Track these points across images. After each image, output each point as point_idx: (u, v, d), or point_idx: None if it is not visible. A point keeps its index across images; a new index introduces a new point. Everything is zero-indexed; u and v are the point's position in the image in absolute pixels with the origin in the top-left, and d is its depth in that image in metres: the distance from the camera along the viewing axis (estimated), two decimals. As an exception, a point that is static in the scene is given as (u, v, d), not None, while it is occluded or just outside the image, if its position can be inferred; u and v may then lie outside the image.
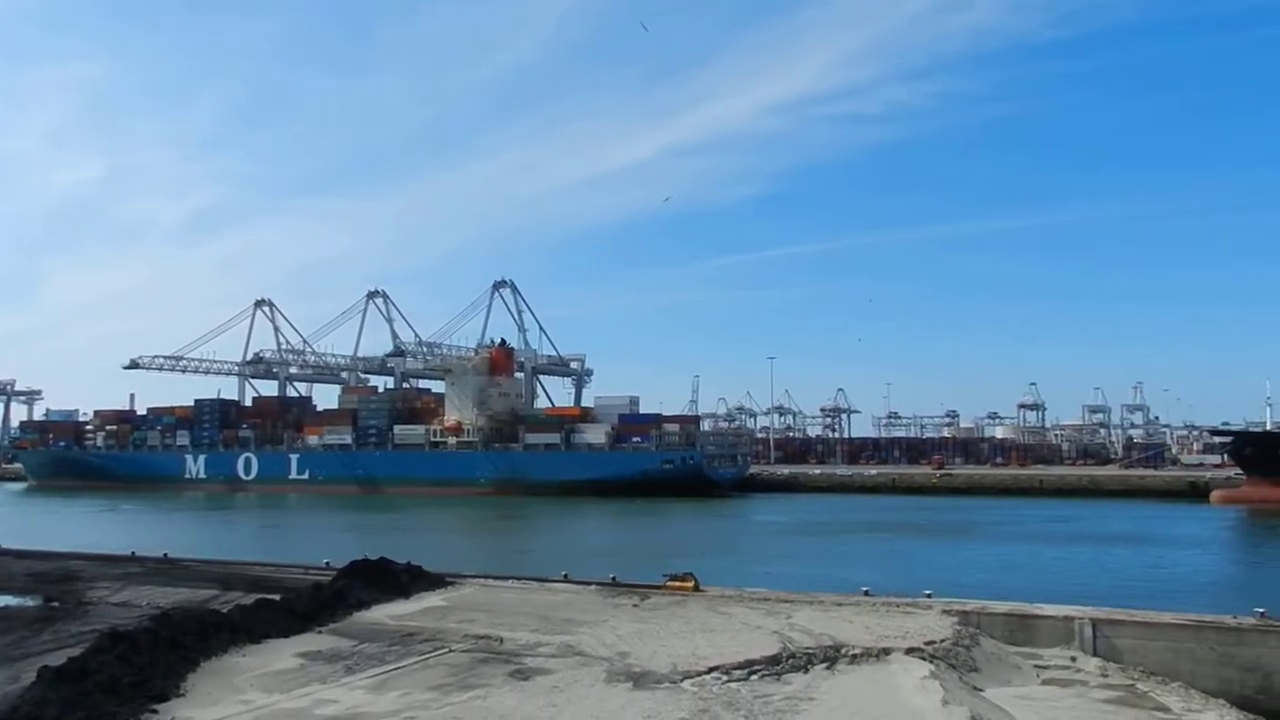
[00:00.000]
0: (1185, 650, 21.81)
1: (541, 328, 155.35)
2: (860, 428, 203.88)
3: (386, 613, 23.61)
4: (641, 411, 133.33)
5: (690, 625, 22.15)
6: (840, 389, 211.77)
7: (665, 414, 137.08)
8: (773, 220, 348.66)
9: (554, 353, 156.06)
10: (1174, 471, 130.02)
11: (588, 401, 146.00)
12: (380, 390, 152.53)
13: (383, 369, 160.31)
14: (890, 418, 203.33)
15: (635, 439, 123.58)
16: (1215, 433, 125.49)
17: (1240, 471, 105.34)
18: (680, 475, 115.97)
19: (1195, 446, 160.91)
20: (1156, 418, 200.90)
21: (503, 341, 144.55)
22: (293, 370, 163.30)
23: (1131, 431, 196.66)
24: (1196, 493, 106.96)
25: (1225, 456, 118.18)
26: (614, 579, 28.67)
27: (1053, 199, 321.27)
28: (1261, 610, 22.62)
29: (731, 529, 79.87)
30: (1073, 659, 21.93)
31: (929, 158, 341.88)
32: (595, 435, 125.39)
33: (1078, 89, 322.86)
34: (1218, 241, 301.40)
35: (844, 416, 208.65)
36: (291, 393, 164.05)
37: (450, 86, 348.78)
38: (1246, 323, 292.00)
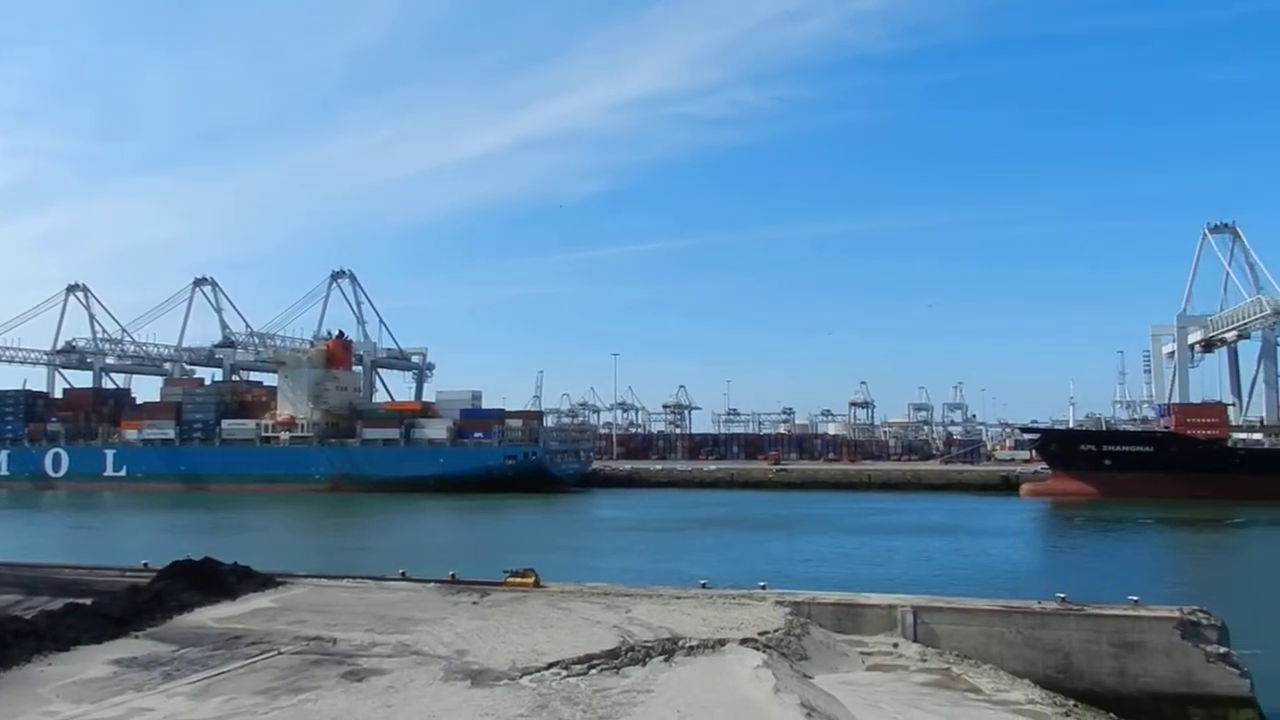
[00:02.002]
0: (996, 634, 23.34)
1: (381, 320, 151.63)
2: (701, 424, 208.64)
3: (211, 615, 22.58)
4: (484, 407, 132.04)
5: (530, 621, 22.13)
6: (682, 386, 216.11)
7: (508, 410, 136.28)
8: (621, 217, 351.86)
9: (394, 346, 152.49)
10: (989, 466, 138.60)
11: (429, 396, 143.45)
12: (207, 383, 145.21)
13: (210, 360, 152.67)
14: (730, 414, 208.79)
15: (477, 434, 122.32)
16: (1025, 430, 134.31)
17: (1046, 466, 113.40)
18: (523, 471, 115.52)
19: (1008, 443, 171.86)
20: (974, 416, 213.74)
21: (340, 333, 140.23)
22: (109, 360, 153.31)
23: (952, 429, 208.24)
24: (1008, 486, 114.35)
25: (1033, 452, 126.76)
26: (453, 576, 28.33)
27: (888, 203, 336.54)
28: (1062, 595, 24.45)
29: (574, 524, 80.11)
30: (895, 645, 23.12)
31: (774, 160, 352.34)
32: (436, 430, 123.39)
33: (912, 99, 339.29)
34: (1037, 249, 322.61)
35: (685, 413, 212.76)
36: (108, 384, 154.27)
37: (289, 67, 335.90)
38: (1057, 327, 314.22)
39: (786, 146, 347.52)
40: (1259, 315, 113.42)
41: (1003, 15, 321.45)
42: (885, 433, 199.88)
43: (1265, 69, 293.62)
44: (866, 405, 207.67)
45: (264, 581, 26.41)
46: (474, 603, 24.60)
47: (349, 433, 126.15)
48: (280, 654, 18.73)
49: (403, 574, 28.90)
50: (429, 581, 27.97)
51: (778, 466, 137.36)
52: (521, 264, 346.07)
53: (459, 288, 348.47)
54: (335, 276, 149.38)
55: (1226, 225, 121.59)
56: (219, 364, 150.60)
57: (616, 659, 18.61)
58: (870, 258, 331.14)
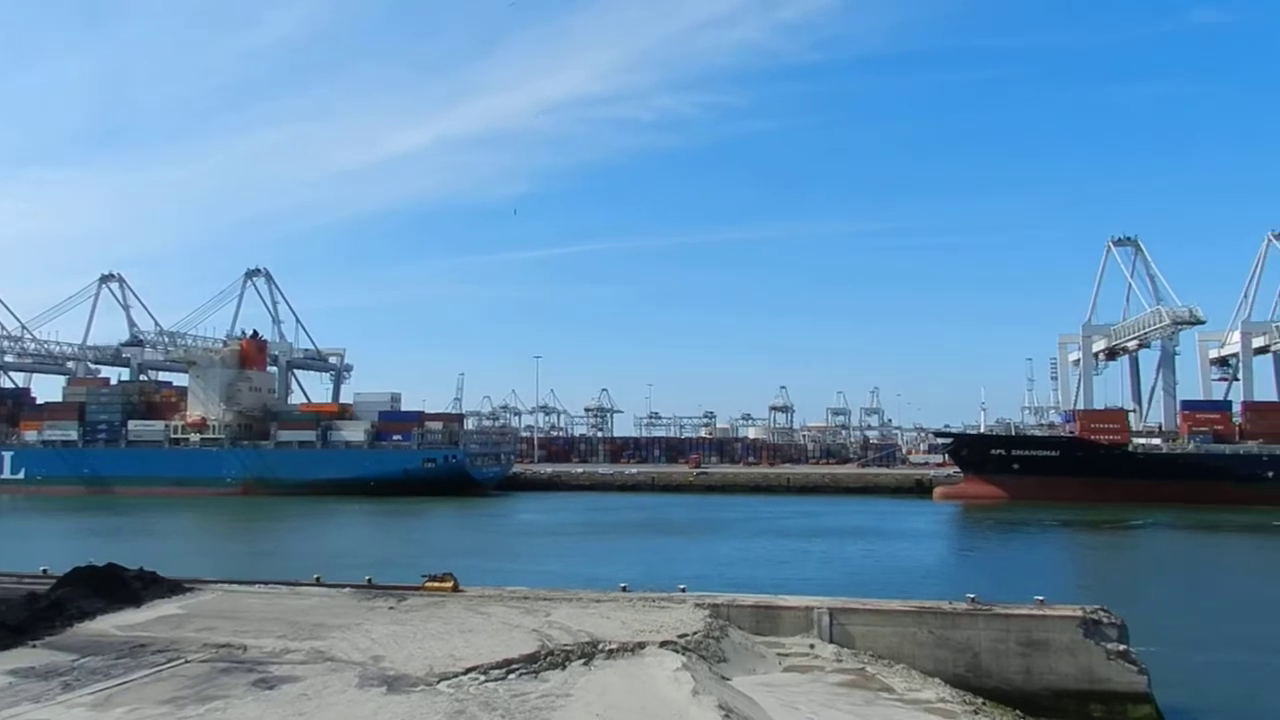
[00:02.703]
0: (908, 634, 23.86)
1: (298, 320, 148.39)
2: (623, 427, 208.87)
3: (114, 623, 21.82)
4: (404, 409, 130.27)
5: (448, 626, 21.88)
6: (604, 389, 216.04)
7: (428, 412, 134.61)
8: (551, 217, 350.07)
9: (311, 346, 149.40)
10: (904, 470, 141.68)
11: (347, 398, 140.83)
12: (114, 382, 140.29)
13: (117, 359, 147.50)
14: (651, 418, 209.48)
15: (396, 437, 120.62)
16: (938, 435, 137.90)
17: (958, 470, 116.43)
18: (443, 474, 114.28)
19: (922, 447, 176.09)
20: (890, 420, 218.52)
21: (254, 333, 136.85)
22: (8, 359, 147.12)
23: (869, 433, 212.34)
24: (922, 489, 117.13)
25: (946, 456, 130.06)
26: (369, 581, 27.90)
27: (807, 210, 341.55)
28: (972, 596, 25.12)
29: (494, 528, 79.52)
30: (811, 646, 23.46)
31: (697, 166, 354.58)
32: (354, 433, 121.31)
33: (835, 109, 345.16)
34: (950, 261, 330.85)
35: (608, 416, 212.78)
36: (6, 384, 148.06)
37: (204, 59, 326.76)
38: (969, 335, 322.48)
39: (708, 152, 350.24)
40: (1158, 325, 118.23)
41: (916, 30, 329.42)
42: (804, 437, 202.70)
43: (1170, 85, 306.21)
44: (786, 410, 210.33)
45: (171, 587, 25.61)
46: (390, 608, 24.23)
47: (263, 435, 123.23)
48: (187, 662, 18.20)
49: (317, 579, 28.33)
50: (344, 587, 27.48)
51: (699, 470, 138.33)
52: (443, 264, 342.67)
53: (379, 288, 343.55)
54: (250, 274, 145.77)
55: (1129, 239, 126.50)
56: (126, 363, 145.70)
57: (535, 663, 18.52)
58: (789, 264, 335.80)
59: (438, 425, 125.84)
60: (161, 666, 17.84)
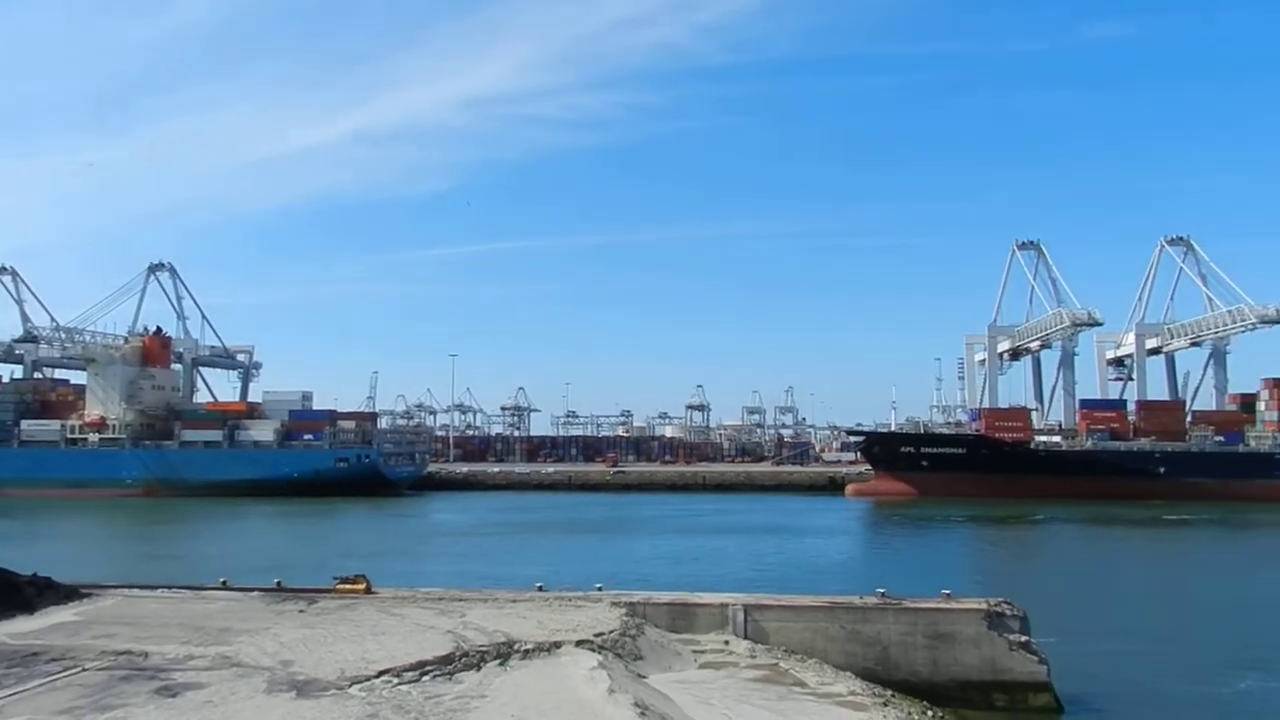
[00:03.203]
0: (820, 629, 24.33)
1: (204, 316, 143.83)
2: (540, 426, 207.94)
3: (5, 631, 20.94)
4: (315, 408, 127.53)
5: (361, 628, 21.55)
6: (521, 388, 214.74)
7: (340, 411, 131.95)
8: (464, 215, 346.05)
9: (218, 343, 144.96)
10: (817, 468, 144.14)
11: (255, 396, 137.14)
12: (6, 380, 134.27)
13: (10, 356, 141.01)
14: (569, 417, 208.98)
15: (307, 436, 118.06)
16: (850, 433, 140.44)
17: (869, 467, 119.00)
18: (355, 474, 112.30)
19: (835, 445, 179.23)
20: (804, 419, 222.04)
21: (158, 329, 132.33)
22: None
23: (783, 431, 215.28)
24: (835, 486, 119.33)
25: (858, 454, 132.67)
26: (279, 584, 27.31)
27: (719, 216, 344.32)
28: (882, 590, 25.73)
29: (408, 529, 78.46)
30: (726, 642, 23.75)
31: (616, 165, 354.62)
32: (263, 432, 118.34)
33: (750, 111, 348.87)
34: (863, 263, 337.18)
35: (524, 415, 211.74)
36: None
37: (106, 46, 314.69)
38: (881, 335, 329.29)
39: (626, 150, 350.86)
40: (1059, 327, 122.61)
41: (831, 35, 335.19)
42: (720, 435, 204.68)
43: (1071, 94, 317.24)
44: (702, 408, 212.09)
45: (67, 594, 24.67)
46: (301, 611, 23.75)
47: (166, 434, 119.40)
48: (85, 670, 17.55)
49: (223, 583, 27.62)
50: (252, 590, 26.83)
51: (615, 468, 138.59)
52: (359, 261, 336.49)
53: (291, 285, 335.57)
54: (153, 269, 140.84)
55: (1032, 243, 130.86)
56: (19, 360, 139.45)
57: (450, 664, 18.36)
58: (706, 265, 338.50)
59: (350, 424, 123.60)
60: (57, 676, 17.18)
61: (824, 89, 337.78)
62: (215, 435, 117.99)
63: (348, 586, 26.73)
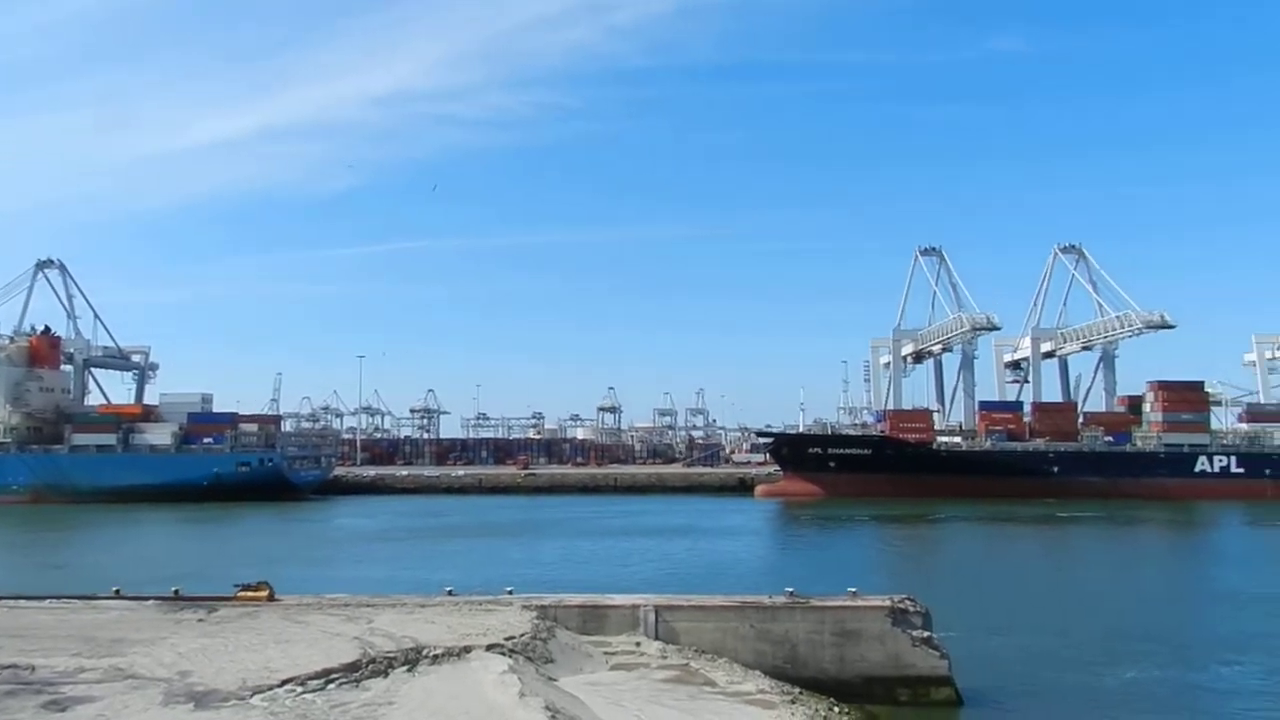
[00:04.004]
0: (730, 629, 24.62)
1: (97, 315, 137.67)
2: (450, 428, 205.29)
3: (-123, 648, 19.77)
4: (215, 410, 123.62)
5: (263, 637, 21.00)
6: (431, 390, 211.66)
7: (242, 413, 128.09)
8: (369, 213, 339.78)
9: (112, 344, 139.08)
10: (727, 469, 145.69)
11: (152, 399, 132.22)
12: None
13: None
14: (479, 419, 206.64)
15: (207, 440, 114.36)
16: (760, 434, 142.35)
17: (779, 468, 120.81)
18: (258, 478, 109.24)
19: (745, 447, 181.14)
20: (715, 421, 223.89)
21: (46, 328, 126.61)
22: None
23: (694, 433, 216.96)
24: (745, 487, 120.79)
25: (767, 455, 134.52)
26: (177, 592, 26.44)
27: (632, 218, 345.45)
28: (791, 590, 26.16)
29: (313, 534, 76.74)
30: (637, 644, 23.85)
31: (529, 166, 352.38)
32: (159, 436, 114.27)
33: (664, 114, 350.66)
34: (773, 267, 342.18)
35: (434, 417, 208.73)
36: None
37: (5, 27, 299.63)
38: (791, 338, 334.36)
39: (539, 150, 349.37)
40: (960, 331, 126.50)
41: (744, 41, 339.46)
42: (632, 437, 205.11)
43: (971, 106, 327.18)
44: (614, 410, 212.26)
45: (-54, 606, 23.44)
46: (200, 620, 23.03)
47: (55, 438, 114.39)
48: (-35, 687, 16.70)
49: (116, 591, 26.63)
50: (148, 599, 25.93)
51: (526, 471, 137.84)
52: (264, 259, 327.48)
53: (189, 284, 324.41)
54: (41, 266, 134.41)
55: (934, 249, 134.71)
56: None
57: (357, 671, 18.03)
58: (618, 266, 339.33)
59: (253, 427, 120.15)
60: (-66, 693, 16.31)
61: (737, 95, 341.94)
62: (109, 439, 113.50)
63: (250, 594, 26.04)
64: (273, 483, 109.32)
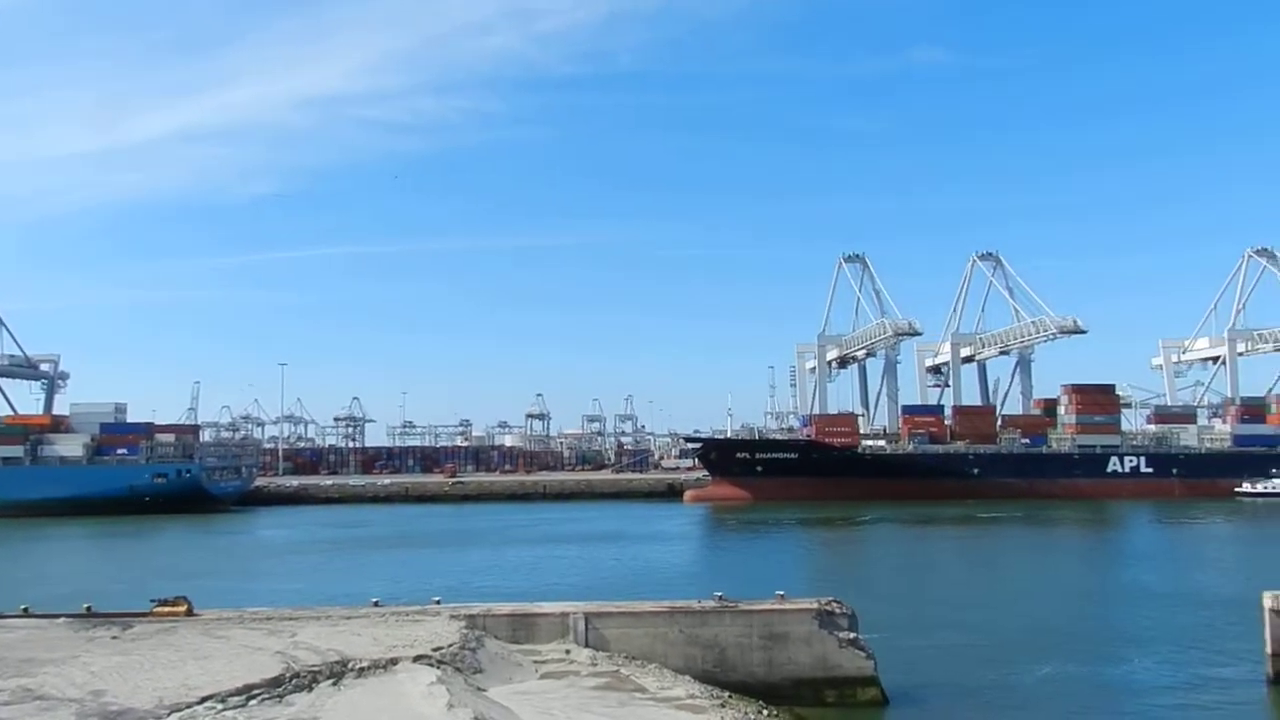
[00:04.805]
0: (660, 634, 24.71)
1: (2, 322, 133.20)
2: (376, 437, 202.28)
3: None
4: (129, 420, 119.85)
5: (181, 653, 20.43)
6: (356, 398, 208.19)
7: (158, 423, 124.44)
8: (292, 220, 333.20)
9: (18, 352, 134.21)
10: (656, 475, 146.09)
11: (61, 409, 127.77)
12: None
13: None
14: (405, 427, 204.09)
15: (121, 451, 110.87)
16: (688, 440, 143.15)
17: (707, 473, 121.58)
18: (175, 490, 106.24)
19: (674, 452, 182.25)
20: (644, 426, 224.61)
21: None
22: None
23: (623, 439, 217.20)
24: (674, 493, 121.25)
25: (696, 460, 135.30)
26: (89, 609, 25.59)
27: (567, 218, 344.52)
28: (720, 594, 26.35)
29: (234, 547, 74.87)
30: (567, 651, 23.78)
31: (456, 170, 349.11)
32: (70, 447, 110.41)
33: (590, 120, 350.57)
34: (701, 268, 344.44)
35: (359, 425, 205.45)
36: None
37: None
38: (718, 343, 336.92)
39: (467, 156, 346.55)
40: (883, 336, 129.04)
41: (668, 50, 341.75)
42: (561, 444, 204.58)
43: (889, 120, 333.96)
44: (542, 417, 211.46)
45: None
46: (114, 637, 22.31)
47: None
48: None
49: (24, 609, 25.68)
50: (58, 617, 25.04)
51: (454, 479, 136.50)
52: (179, 265, 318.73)
53: (103, 288, 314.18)
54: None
55: (858, 256, 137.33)
56: None
57: (280, 687, 17.65)
58: (548, 271, 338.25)
59: (169, 437, 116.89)
60: None
61: (662, 103, 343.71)
62: (15, 451, 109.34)
63: (167, 609, 25.32)
64: (191, 494, 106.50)
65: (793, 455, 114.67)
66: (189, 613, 25.21)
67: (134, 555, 70.70)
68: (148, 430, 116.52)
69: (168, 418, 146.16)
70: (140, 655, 20.26)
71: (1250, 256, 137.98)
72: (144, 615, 25.10)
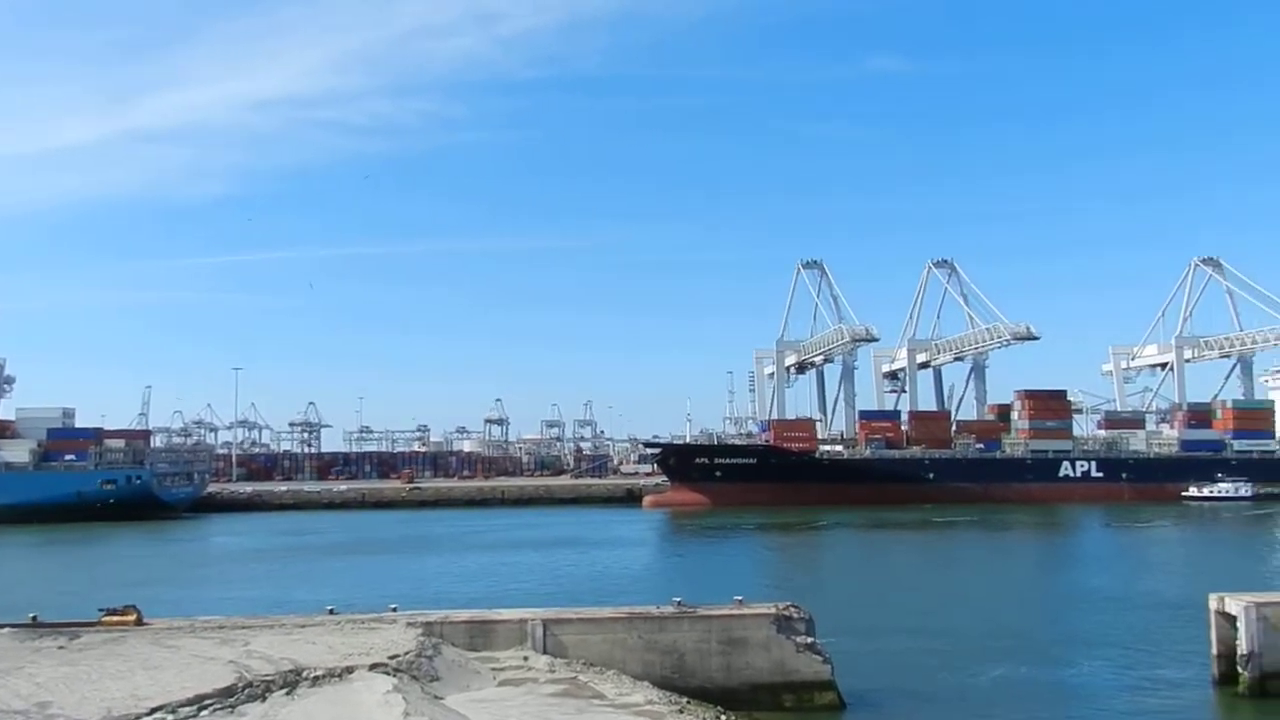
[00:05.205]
0: (619, 640, 24.69)
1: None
2: (332, 442, 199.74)
3: None
4: (78, 425, 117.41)
5: (130, 663, 20.06)
6: (312, 402, 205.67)
7: (108, 428, 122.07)
8: (249, 222, 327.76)
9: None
10: (615, 480, 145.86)
11: (7, 413, 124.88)
12: None
13: None
14: (362, 432, 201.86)
15: (69, 457, 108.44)
16: (647, 445, 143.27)
17: (666, 479, 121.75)
18: (125, 497, 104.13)
19: (633, 457, 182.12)
20: (603, 432, 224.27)
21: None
22: None
23: (582, 444, 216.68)
24: (632, 498, 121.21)
25: (655, 466, 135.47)
26: (34, 619, 25.02)
27: (516, 228, 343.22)
28: (678, 599, 26.40)
29: (186, 554, 73.65)
30: (525, 658, 23.68)
31: (415, 173, 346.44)
32: (16, 453, 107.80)
33: (552, 123, 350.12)
34: (662, 273, 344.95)
35: (315, 431, 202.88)
36: None
37: None
38: (678, 349, 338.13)
39: (430, 161, 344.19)
40: (840, 342, 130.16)
41: (630, 55, 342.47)
42: (519, 449, 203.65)
43: (856, 127, 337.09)
44: (501, 422, 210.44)
45: None
46: (60, 648, 21.85)
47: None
48: None
49: (-32, 621, 25.00)
50: (2, 627, 24.44)
51: (411, 485, 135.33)
52: (129, 267, 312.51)
53: (51, 291, 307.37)
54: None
55: (816, 262, 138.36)
56: None
57: (232, 697, 17.40)
58: (506, 275, 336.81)
59: (119, 443, 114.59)
60: None
61: (623, 108, 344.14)
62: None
63: (116, 619, 24.85)
64: (142, 501, 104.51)
65: (751, 460, 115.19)
66: (138, 622, 24.78)
67: (82, 564, 69.24)
68: (97, 435, 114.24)
69: (118, 423, 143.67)
70: (88, 666, 19.86)
71: (1196, 265, 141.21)
72: (92, 625, 24.62)
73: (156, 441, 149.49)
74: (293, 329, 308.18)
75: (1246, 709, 26.10)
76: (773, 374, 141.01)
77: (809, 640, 25.23)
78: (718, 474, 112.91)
